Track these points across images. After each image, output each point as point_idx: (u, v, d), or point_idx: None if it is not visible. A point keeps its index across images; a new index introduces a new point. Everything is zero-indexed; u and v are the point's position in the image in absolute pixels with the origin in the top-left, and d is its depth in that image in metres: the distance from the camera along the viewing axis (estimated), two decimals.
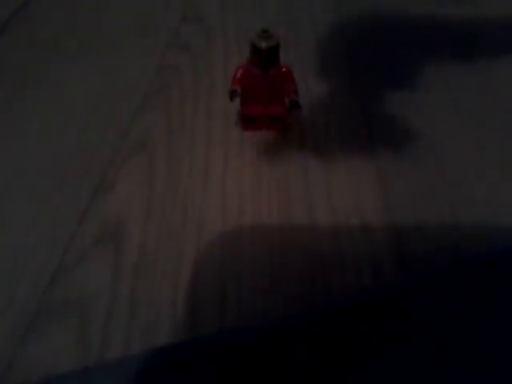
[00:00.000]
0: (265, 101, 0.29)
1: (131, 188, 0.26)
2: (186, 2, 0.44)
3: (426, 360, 0.19)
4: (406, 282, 0.21)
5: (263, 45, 0.26)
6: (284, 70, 0.28)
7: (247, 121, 0.30)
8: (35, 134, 0.30)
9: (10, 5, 0.43)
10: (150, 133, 0.30)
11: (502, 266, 0.22)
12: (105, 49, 0.39)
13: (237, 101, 0.29)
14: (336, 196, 0.26)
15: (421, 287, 0.22)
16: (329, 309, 0.20)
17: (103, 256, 0.22)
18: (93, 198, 0.26)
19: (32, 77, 0.36)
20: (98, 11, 0.45)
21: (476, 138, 0.29)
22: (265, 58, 0.27)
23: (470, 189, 0.26)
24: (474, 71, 0.35)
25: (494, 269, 0.22)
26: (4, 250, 0.23)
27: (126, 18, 0.44)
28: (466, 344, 0.19)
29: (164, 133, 0.30)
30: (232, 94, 0.28)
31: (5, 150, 0.29)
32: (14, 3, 0.44)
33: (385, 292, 0.21)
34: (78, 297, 0.21)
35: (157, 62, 0.37)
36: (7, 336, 0.19)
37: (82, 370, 0.18)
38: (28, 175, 0.27)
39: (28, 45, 0.40)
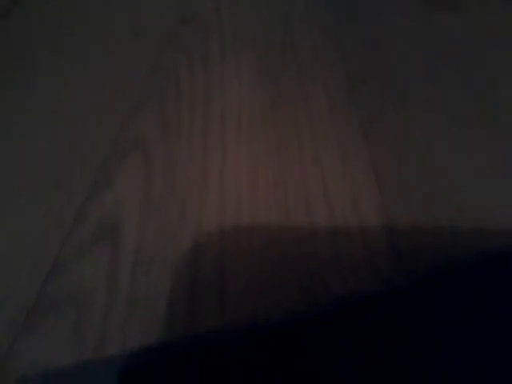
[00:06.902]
0: None
1: (128, 185, 0.26)
2: (183, 2, 0.44)
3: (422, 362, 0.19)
4: (406, 283, 0.21)
5: None
6: None
7: None
8: (33, 129, 0.30)
9: None
10: (146, 131, 0.30)
11: (501, 268, 0.22)
12: (103, 48, 0.39)
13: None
14: (333, 192, 0.26)
15: (420, 287, 0.22)
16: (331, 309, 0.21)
17: (100, 252, 0.22)
18: (90, 195, 0.25)
19: (29, 74, 0.35)
20: (97, 11, 0.45)
21: (465, 138, 0.30)
22: None
23: (466, 187, 0.26)
24: (462, 71, 0.35)
25: (493, 270, 0.22)
26: (1, 246, 0.23)
27: (125, 17, 0.44)
28: (464, 346, 0.19)
29: (161, 132, 0.30)
30: None
31: (4, 145, 0.29)
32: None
33: (380, 294, 0.21)
34: (75, 293, 0.21)
35: (153, 62, 0.37)
36: (4, 331, 0.19)
37: (79, 366, 0.18)
38: (26, 171, 0.27)
39: (26, 42, 0.40)
